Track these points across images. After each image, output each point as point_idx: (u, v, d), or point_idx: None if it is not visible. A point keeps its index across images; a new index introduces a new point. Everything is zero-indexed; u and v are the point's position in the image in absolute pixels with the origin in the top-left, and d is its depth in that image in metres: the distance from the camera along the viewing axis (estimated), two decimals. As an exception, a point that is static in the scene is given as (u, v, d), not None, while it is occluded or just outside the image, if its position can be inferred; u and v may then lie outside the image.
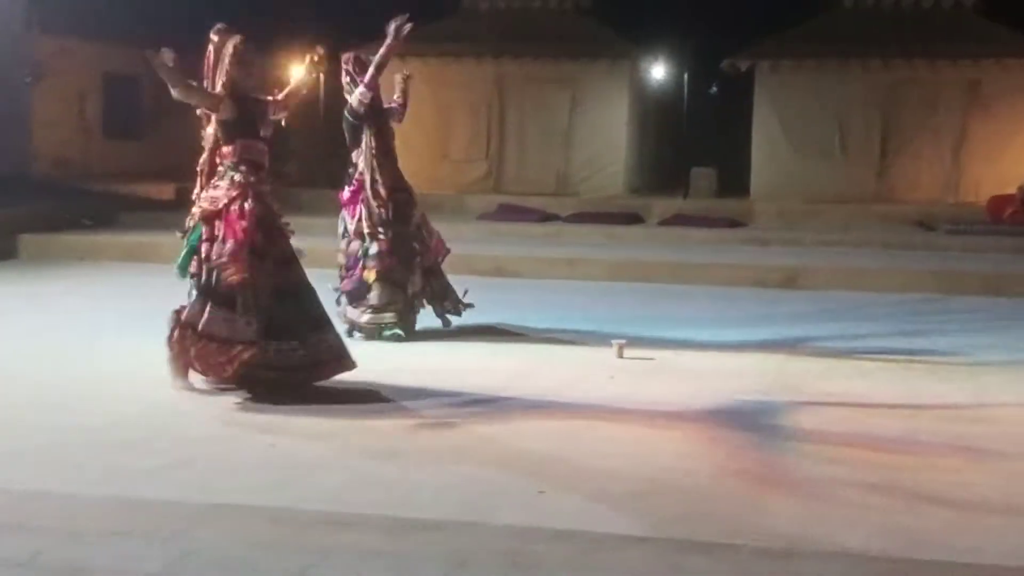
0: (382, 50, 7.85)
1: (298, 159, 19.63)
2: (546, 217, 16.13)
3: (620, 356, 7.40)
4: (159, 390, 6.18)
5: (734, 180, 18.19)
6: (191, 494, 4.42)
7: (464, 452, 5.13)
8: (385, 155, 7.89)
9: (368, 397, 6.20)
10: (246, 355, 5.95)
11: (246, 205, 6.13)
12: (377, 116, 7.93)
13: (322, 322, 6.34)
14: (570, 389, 6.50)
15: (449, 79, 17.88)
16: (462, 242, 11.58)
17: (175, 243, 6.59)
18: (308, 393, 6.09)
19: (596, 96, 18.20)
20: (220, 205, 6.15)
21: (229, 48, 6.30)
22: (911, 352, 7.85)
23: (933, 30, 17.26)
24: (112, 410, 5.82)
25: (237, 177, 6.19)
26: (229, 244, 6.05)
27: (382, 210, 7.73)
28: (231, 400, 6.05)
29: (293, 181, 19.25)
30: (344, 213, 7.93)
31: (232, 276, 5.99)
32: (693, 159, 18.53)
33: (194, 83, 6.28)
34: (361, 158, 7.80)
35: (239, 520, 4.11)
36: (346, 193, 7.91)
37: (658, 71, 19.15)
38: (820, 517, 4.29)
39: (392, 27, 7.88)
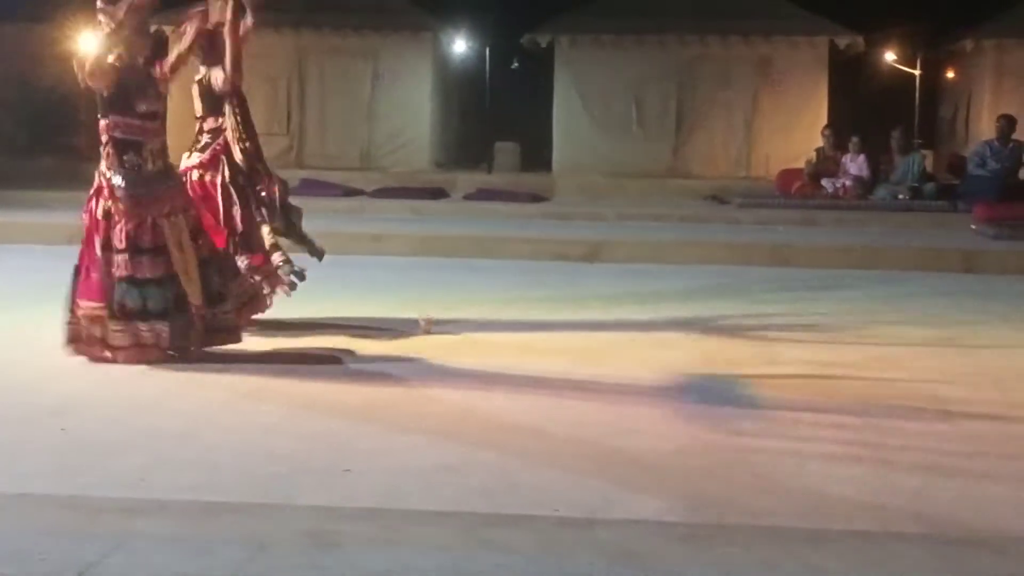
0: (231, 37, 7.05)
1: (88, 132, 18.90)
2: (350, 192, 16.00)
3: (427, 332, 7.39)
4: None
5: (537, 154, 18.41)
6: (-25, 484, 4.22)
7: (265, 432, 5.04)
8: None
9: (164, 377, 6.03)
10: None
11: (97, 207, 6.11)
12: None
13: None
14: (376, 365, 6.46)
15: (247, 50, 17.48)
16: (263, 218, 11.39)
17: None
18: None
19: (399, 69, 18.12)
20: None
21: (122, 15, 6.05)
22: (707, 321, 8.09)
23: (726, 7, 17.77)
24: None
25: (103, 175, 6.11)
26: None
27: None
28: (14, 383, 5.80)
29: (84, 155, 18.53)
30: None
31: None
32: (496, 134, 18.66)
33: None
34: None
35: (29, 509, 3.94)
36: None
37: (460, 45, 19.18)
38: (621, 484, 4.38)
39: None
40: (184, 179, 7.23)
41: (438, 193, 16.22)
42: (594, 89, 17.98)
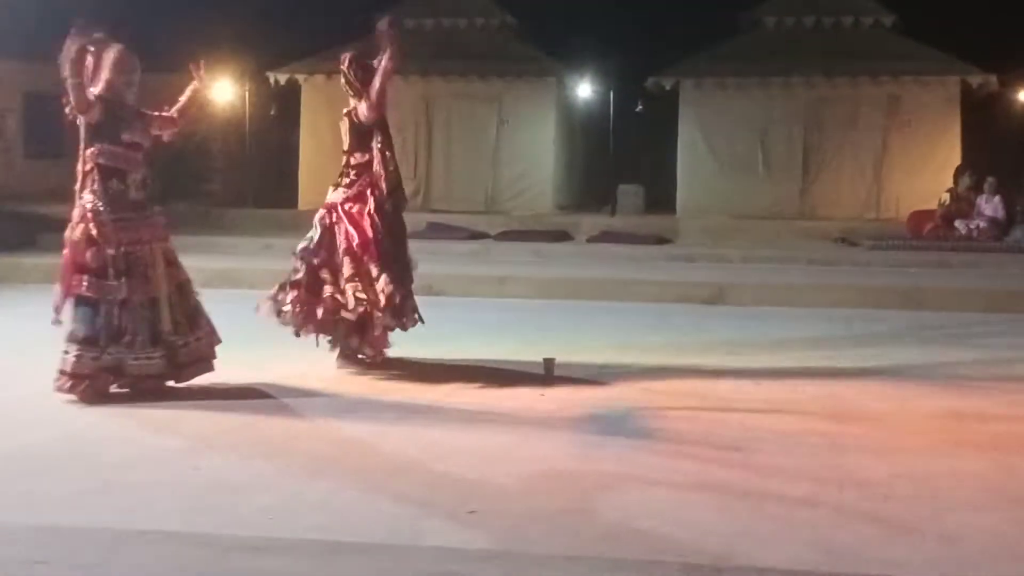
0: (382, 69, 7.44)
1: (223, 178, 19.47)
2: (475, 235, 16.13)
3: (550, 373, 7.39)
4: (73, 414, 6.07)
5: (661, 197, 18.32)
6: (111, 520, 4.32)
7: (393, 472, 5.08)
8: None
9: (293, 417, 6.13)
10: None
11: (91, 230, 6.33)
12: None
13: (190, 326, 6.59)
14: (500, 407, 6.47)
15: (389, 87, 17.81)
16: (390, 261, 11.53)
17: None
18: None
19: (523, 114, 18.26)
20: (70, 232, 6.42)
21: (111, 54, 6.45)
22: (835, 367, 7.92)
23: (853, 48, 17.55)
24: (26, 435, 5.70)
25: (84, 202, 6.36)
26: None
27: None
28: (148, 423, 5.94)
29: (218, 200, 19.07)
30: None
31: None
32: (620, 176, 18.65)
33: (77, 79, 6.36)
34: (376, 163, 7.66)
35: (161, 546, 4.03)
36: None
37: (584, 89, 19.26)
38: (747, 532, 4.30)
39: (384, 31, 7.44)
40: (329, 212, 7.47)
41: (562, 236, 16.25)
42: (719, 131, 17.86)
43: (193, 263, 10.17)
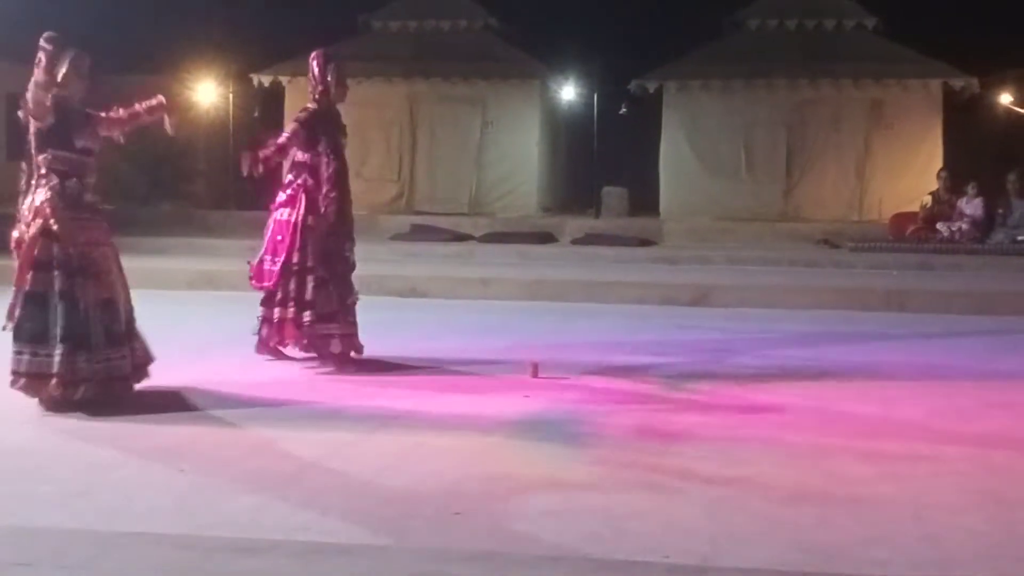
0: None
1: (206, 179, 19.42)
2: (459, 237, 16.14)
3: (534, 375, 7.39)
4: (54, 416, 6.05)
5: (645, 199, 18.36)
6: (94, 522, 4.31)
7: (376, 473, 5.08)
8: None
9: (276, 419, 6.12)
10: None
11: (51, 226, 6.23)
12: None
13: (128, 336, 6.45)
14: (484, 409, 6.47)
15: (360, 99, 17.77)
16: (376, 262, 11.54)
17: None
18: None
19: (507, 116, 18.28)
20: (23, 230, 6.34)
21: (67, 57, 6.36)
22: (820, 368, 7.95)
23: (836, 51, 17.63)
24: (8, 436, 5.67)
25: (42, 199, 6.26)
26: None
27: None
28: (128, 425, 5.92)
29: (201, 202, 19.03)
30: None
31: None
32: (604, 178, 18.68)
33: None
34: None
35: (144, 548, 4.02)
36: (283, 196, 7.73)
37: (568, 91, 19.28)
38: (731, 532, 4.32)
39: None
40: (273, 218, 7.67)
41: (546, 238, 16.27)
42: (702, 133, 17.91)
43: (175, 264, 10.19)
